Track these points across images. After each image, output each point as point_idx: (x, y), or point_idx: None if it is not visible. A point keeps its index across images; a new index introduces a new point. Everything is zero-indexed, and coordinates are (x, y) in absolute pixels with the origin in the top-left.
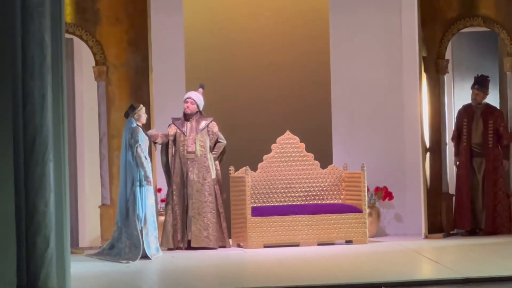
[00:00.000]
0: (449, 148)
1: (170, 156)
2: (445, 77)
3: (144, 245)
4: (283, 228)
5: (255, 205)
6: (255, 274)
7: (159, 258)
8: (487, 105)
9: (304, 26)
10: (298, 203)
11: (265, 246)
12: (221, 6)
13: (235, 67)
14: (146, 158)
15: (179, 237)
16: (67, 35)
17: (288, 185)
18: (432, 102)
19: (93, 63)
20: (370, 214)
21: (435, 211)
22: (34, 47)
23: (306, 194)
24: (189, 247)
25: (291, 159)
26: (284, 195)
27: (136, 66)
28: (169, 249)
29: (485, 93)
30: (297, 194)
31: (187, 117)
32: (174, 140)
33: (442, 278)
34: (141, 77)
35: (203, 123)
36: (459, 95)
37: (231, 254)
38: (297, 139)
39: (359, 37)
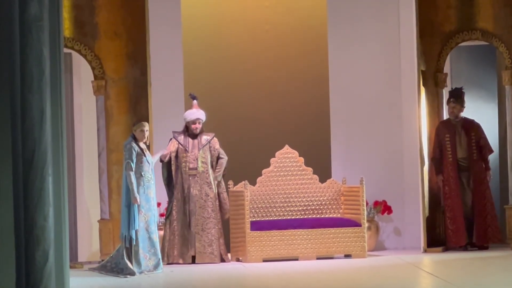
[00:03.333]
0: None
1: (173, 171)
2: (444, 91)
3: (133, 262)
4: (282, 242)
5: (254, 219)
6: None
7: (159, 273)
8: (465, 118)
9: (303, 39)
10: (297, 217)
11: (264, 261)
12: (219, 20)
13: (233, 80)
14: (142, 176)
15: (175, 252)
16: (65, 50)
17: (287, 199)
18: (431, 115)
19: (92, 77)
20: (369, 228)
21: (434, 225)
22: (32, 62)
23: (305, 208)
24: (192, 263)
25: (290, 173)
26: (283, 209)
27: (135, 80)
28: (168, 263)
29: (462, 105)
30: (296, 208)
31: (192, 136)
32: (176, 156)
33: None
34: (140, 91)
35: (204, 139)
36: None
37: (230, 268)
38: (296, 153)
39: (358, 51)
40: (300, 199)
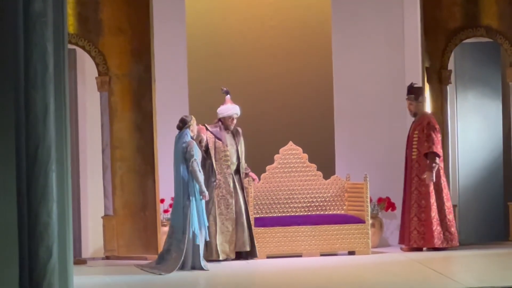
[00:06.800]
0: (452, 159)
1: (214, 165)
2: (448, 88)
3: (200, 257)
4: (286, 238)
5: (257, 215)
6: (258, 285)
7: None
8: (423, 114)
9: (307, 36)
10: (301, 213)
11: (268, 257)
12: (224, 16)
13: (238, 77)
14: (200, 172)
15: (221, 248)
16: (69, 46)
17: (291, 196)
18: (435, 112)
19: (96, 74)
20: (372, 225)
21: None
22: (36, 58)
23: (308, 204)
24: (237, 259)
25: (293, 169)
26: (287, 205)
27: (139, 76)
28: (211, 260)
29: (416, 100)
30: (299, 205)
31: (228, 131)
32: (214, 150)
33: None
34: (144, 87)
35: (239, 132)
36: (462, 106)
37: (234, 265)
38: (300, 149)
39: (362, 47)
40: (304, 196)
